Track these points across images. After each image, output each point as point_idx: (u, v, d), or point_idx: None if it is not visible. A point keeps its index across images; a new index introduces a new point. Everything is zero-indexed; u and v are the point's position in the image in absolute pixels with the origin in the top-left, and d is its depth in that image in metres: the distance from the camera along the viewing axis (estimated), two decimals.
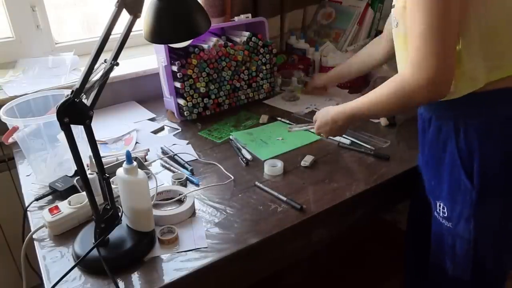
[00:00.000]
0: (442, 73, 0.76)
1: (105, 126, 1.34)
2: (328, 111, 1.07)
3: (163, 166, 1.13)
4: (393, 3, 0.89)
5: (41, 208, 0.97)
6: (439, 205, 0.94)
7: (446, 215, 0.93)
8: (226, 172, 1.08)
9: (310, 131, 1.23)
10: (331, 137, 1.18)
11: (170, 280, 0.76)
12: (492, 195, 0.85)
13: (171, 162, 1.13)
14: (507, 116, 0.81)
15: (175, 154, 1.15)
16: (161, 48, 1.30)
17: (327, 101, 1.50)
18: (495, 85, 0.81)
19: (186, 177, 1.04)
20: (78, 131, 0.96)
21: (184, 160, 1.12)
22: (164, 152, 1.18)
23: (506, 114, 0.81)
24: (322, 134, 1.13)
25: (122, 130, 1.31)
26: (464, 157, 0.85)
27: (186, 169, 1.09)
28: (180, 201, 0.97)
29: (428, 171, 0.98)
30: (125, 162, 0.78)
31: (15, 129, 0.98)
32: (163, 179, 1.06)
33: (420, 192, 1.03)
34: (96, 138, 0.75)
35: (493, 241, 0.90)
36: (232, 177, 1.06)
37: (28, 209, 0.97)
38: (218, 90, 1.38)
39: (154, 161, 1.14)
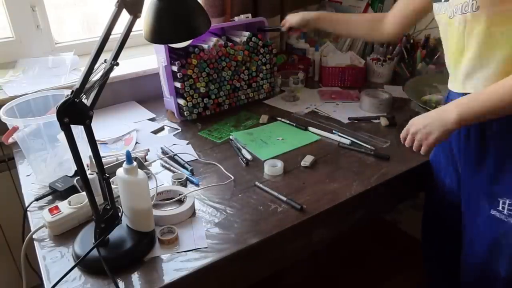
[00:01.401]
0: None
1: (105, 126, 1.34)
2: (445, 113, 0.87)
3: (163, 166, 1.13)
4: None
5: (41, 208, 0.97)
6: (503, 203, 0.89)
7: (507, 212, 0.89)
8: (226, 172, 1.07)
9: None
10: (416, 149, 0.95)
11: (170, 280, 0.76)
12: None
13: (171, 162, 1.13)
14: None
15: (175, 154, 1.15)
16: (161, 48, 1.30)
17: (328, 103, 1.50)
18: None
19: (186, 177, 1.04)
20: (78, 131, 0.96)
21: (184, 160, 1.12)
22: (164, 152, 1.18)
23: None
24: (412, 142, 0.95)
25: (122, 130, 1.31)
26: None
27: (186, 169, 1.09)
28: (180, 201, 0.97)
29: (484, 168, 0.93)
30: (125, 162, 0.78)
31: (15, 129, 0.98)
32: (163, 179, 1.06)
33: (439, 186, 1.02)
34: (96, 138, 0.75)
35: None
36: (232, 177, 1.06)
37: (28, 209, 0.97)
38: (218, 90, 1.38)
39: (154, 161, 1.14)
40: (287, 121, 1.34)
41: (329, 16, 1.32)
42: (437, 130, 0.88)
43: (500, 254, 0.93)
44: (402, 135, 0.98)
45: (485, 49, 0.85)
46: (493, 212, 0.92)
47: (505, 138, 0.88)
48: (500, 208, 0.90)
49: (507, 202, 0.89)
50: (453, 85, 0.96)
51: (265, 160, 1.11)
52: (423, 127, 0.90)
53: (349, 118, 1.35)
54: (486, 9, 0.81)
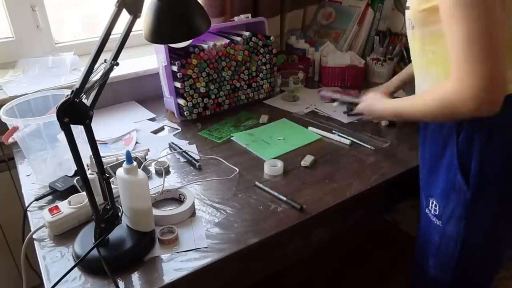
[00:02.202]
0: (492, 84, 0.69)
1: (105, 126, 1.34)
2: (381, 101, 1.05)
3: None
4: (407, 4, 0.86)
5: (41, 208, 0.97)
6: (432, 202, 0.94)
7: (437, 213, 0.92)
8: (231, 166, 1.08)
9: (355, 101, 1.21)
10: (368, 118, 1.18)
11: (170, 280, 0.76)
12: (486, 198, 0.84)
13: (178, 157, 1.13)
14: (510, 121, 0.79)
15: (184, 151, 1.16)
16: (161, 48, 1.30)
17: (328, 103, 1.50)
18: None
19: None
20: (78, 131, 0.96)
21: (191, 156, 1.14)
22: (172, 149, 1.20)
23: (510, 119, 0.79)
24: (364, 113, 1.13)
25: (122, 130, 1.31)
26: (463, 157, 0.84)
27: (194, 165, 1.10)
28: (180, 201, 0.97)
29: (425, 166, 0.97)
30: (125, 162, 0.78)
31: (15, 129, 0.98)
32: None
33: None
34: (96, 138, 0.75)
35: (481, 244, 0.90)
36: (237, 170, 1.07)
37: (28, 209, 0.97)
38: (218, 90, 1.38)
39: (161, 157, 1.16)
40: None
41: (406, 74, 1.27)
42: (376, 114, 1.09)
43: (429, 252, 0.96)
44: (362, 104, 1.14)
45: (423, 66, 0.89)
46: (426, 210, 0.96)
47: (436, 140, 0.90)
48: (430, 207, 0.94)
49: (434, 202, 0.92)
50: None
51: (265, 160, 1.11)
52: (371, 111, 1.09)
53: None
54: (419, 28, 0.84)
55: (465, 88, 0.71)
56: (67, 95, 0.69)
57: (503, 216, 0.87)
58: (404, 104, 0.93)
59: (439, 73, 0.85)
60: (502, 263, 0.98)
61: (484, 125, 0.80)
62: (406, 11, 0.87)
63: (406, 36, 0.94)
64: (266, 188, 1.00)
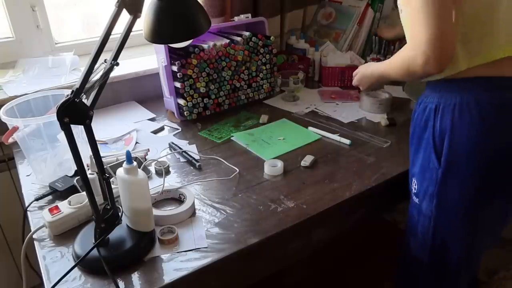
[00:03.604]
0: (440, 47, 0.78)
1: (105, 126, 1.34)
2: (370, 65, 1.14)
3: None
4: None
5: (41, 208, 0.97)
6: (413, 181, 0.98)
7: (415, 191, 0.97)
8: (231, 166, 1.08)
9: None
10: (366, 90, 1.27)
11: (170, 280, 0.76)
12: (455, 178, 0.89)
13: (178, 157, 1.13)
14: (478, 102, 0.84)
15: (184, 151, 1.16)
16: (161, 48, 1.30)
17: (328, 103, 1.50)
18: (475, 72, 0.84)
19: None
20: (78, 131, 0.96)
21: (191, 157, 1.14)
22: (172, 149, 1.20)
23: (479, 99, 0.84)
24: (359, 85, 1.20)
25: (122, 130, 1.31)
26: (437, 137, 0.89)
27: (194, 165, 1.11)
28: (180, 201, 0.97)
29: (412, 149, 1.01)
30: (125, 162, 0.78)
31: (15, 129, 0.98)
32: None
33: None
34: (96, 138, 0.75)
35: (451, 224, 0.93)
36: (237, 170, 1.07)
37: (28, 209, 0.97)
38: (218, 90, 1.38)
39: (161, 157, 1.16)
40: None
41: None
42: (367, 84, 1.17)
43: (411, 231, 1.01)
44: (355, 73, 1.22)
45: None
46: (410, 188, 1.01)
47: (420, 122, 0.95)
48: (411, 186, 1.00)
49: (415, 181, 0.98)
50: None
51: (265, 160, 1.11)
52: (363, 77, 1.16)
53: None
54: (406, 10, 0.88)
55: (416, 45, 0.80)
56: (67, 95, 0.69)
57: (471, 198, 0.90)
58: (384, 65, 1.02)
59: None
60: (482, 250, 1.00)
61: (455, 106, 0.86)
62: None
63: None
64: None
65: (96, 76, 0.75)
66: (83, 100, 0.70)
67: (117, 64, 0.76)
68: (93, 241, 0.79)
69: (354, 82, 1.21)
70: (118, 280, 0.76)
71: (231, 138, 1.26)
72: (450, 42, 0.79)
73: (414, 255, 1.01)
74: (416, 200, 0.98)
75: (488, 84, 0.84)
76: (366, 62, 1.68)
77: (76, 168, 0.76)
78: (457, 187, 0.89)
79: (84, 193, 0.92)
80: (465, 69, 0.84)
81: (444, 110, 0.88)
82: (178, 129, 1.34)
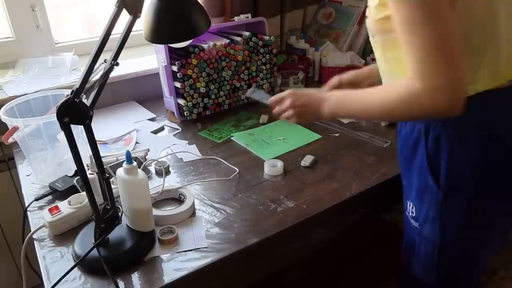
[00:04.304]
0: (452, 85, 0.70)
1: (105, 126, 1.34)
2: (313, 92, 0.95)
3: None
4: (366, 14, 0.86)
5: (41, 208, 0.97)
6: (409, 205, 0.93)
7: (414, 215, 0.92)
8: (231, 166, 1.08)
9: (266, 103, 1.05)
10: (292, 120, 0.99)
11: (170, 280, 0.76)
12: (457, 199, 0.84)
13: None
14: (477, 123, 0.78)
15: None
16: (161, 48, 1.30)
17: None
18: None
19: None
20: (78, 131, 0.96)
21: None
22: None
23: (477, 120, 0.78)
24: (290, 115, 0.97)
25: (122, 130, 1.31)
26: (433, 158, 0.83)
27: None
28: (180, 201, 0.97)
29: (401, 168, 0.97)
30: (125, 162, 0.78)
31: (15, 129, 0.98)
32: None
33: None
34: (96, 138, 0.75)
35: (457, 245, 0.89)
36: (237, 170, 1.07)
37: (28, 209, 0.97)
38: (218, 90, 1.38)
39: (161, 157, 1.17)
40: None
41: (367, 74, 1.16)
42: (311, 115, 0.94)
43: (412, 252, 0.96)
44: (276, 97, 1.00)
45: (385, 73, 0.88)
46: (406, 212, 0.96)
47: (407, 143, 0.89)
48: (408, 210, 0.94)
49: (411, 204, 0.92)
50: None
51: (265, 160, 1.11)
52: (302, 105, 0.94)
53: None
54: (378, 36, 0.83)
55: (424, 89, 0.71)
56: (67, 95, 0.69)
57: (475, 217, 0.86)
58: (350, 96, 0.87)
59: (402, 79, 0.82)
60: (487, 262, 0.98)
61: (451, 126, 0.80)
62: (366, 20, 0.86)
63: None
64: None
65: (96, 76, 0.75)
66: (83, 100, 0.70)
67: (117, 64, 0.76)
68: (93, 241, 0.79)
69: (287, 106, 0.96)
70: (118, 280, 0.76)
71: (231, 138, 1.27)
72: (461, 80, 0.71)
73: (418, 277, 0.96)
74: (415, 224, 0.92)
75: (490, 98, 0.78)
76: (366, 62, 1.68)
77: (76, 168, 0.76)
78: (461, 207, 0.84)
79: (84, 193, 0.92)
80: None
81: (437, 130, 0.81)
82: (178, 129, 1.34)
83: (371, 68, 1.13)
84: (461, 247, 0.90)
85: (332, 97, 0.90)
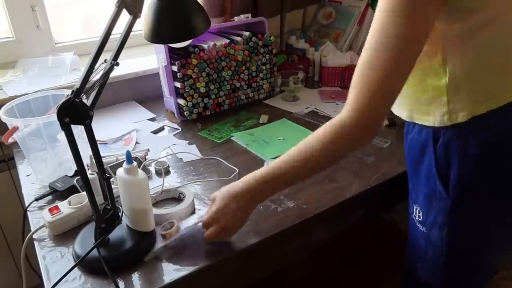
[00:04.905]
0: (368, 120, 0.74)
1: (105, 126, 1.34)
2: (230, 188, 0.84)
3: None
4: None
5: (41, 208, 0.97)
6: (416, 209, 0.92)
7: (421, 219, 0.90)
8: (231, 166, 1.07)
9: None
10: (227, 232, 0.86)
11: (170, 280, 0.76)
12: (467, 205, 0.83)
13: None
14: (490, 131, 0.78)
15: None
16: (161, 48, 1.30)
17: (328, 103, 1.50)
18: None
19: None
20: (78, 131, 0.96)
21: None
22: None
23: (489, 129, 0.77)
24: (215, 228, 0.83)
25: (122, 130, 1.31)
26: (441, 164, 0.82)
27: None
28: (180, 201, 0.97)
29: (408, 171, 0.95)
30: (125, 162, 0.78)
31: (15, 129, 0.98)
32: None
33: None
34: (96, 138, 0.75)
35: (465, 251, 0.88)
36: (237, 170, 1.07)
37: (28, 209, 0.97)
38: (218, 90, 1.38)
39: (161, 157, 1.16)
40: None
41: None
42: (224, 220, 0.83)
43: (417, 256, 0.95)
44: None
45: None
46: (412, 216, 0.94)
47: (415, 147, 0.88)
48: (415, 213, 0.93)
49: (418, 209, 0.91)
50: None
51: (265, 160, 1.11)
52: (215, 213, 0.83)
53: None
54: None
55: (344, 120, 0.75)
56: (67, 95, 0.69)
57: (485, 222, 0.85)
58: (273, 166, 0.83)
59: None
60: (493, 267, 0.97)
61: (461, 132, 0.79)
62: None
63: None
64: None
65: (96, 76, 0.75)
66: (83, 100, 0.70)
67: (117, 64, 0.76)
68: (93, 241, 0.79)
69: (210, 219, 0.84)
70: (118, 280, 0.76)
71: (231, 138, 1.27)
72: (383, 112, 0.76)
73: (424, 280, 0.95)
74: (422, 228, 0.91)
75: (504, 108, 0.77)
76: None
77: (76, 168, 0.76)
78: (470, 213, 0.83)
79: (84, 193, 0.92)
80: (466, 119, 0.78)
81: (446, 136, 0.80)
82: (178, 129, 1.34)
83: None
84: (469, 252, 0.89)
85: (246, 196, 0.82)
